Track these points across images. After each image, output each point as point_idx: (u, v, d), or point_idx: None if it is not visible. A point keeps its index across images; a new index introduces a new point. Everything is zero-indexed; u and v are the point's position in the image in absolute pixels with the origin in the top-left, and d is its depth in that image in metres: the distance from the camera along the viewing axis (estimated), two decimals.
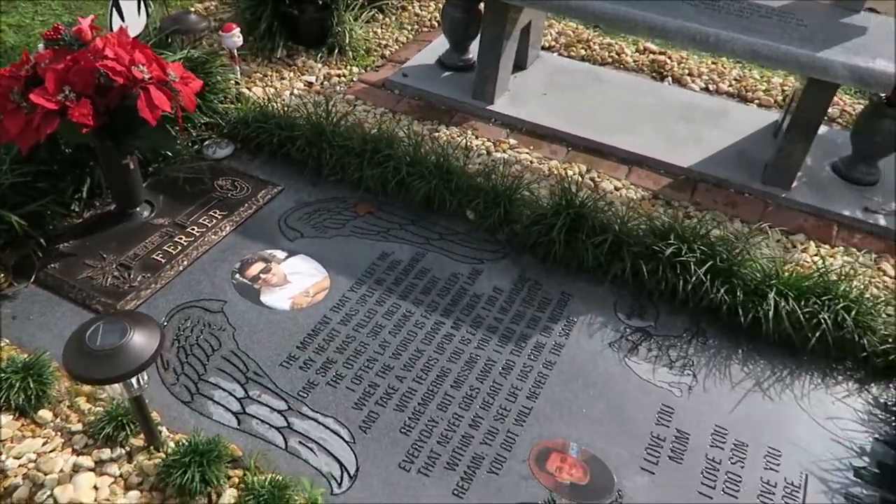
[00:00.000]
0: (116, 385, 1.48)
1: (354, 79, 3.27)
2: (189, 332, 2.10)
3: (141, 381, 1.52)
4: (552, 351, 2.15)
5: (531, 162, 2.87)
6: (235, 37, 2.85)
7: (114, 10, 2.46)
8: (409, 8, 3.87)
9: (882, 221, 2.64)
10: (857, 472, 1.89)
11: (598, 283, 2.36)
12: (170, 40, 2.72)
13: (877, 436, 1.98)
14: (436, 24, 3.75)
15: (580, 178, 2.79)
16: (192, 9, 3.46)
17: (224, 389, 1.95)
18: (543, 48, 3.59)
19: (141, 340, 1.45)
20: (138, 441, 1.73)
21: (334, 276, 2.33)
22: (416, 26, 3.74)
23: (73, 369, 1.40)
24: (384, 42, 3.56)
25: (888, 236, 2.61)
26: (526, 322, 2.24)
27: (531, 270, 2.41)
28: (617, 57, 3.58)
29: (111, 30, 2.40)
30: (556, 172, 2.81)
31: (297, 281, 2.29)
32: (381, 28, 3.66)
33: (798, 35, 2.44)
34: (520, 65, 3.30)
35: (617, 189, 2.77)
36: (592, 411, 1.99)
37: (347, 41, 3.33)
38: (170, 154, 2.59)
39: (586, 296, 2.33)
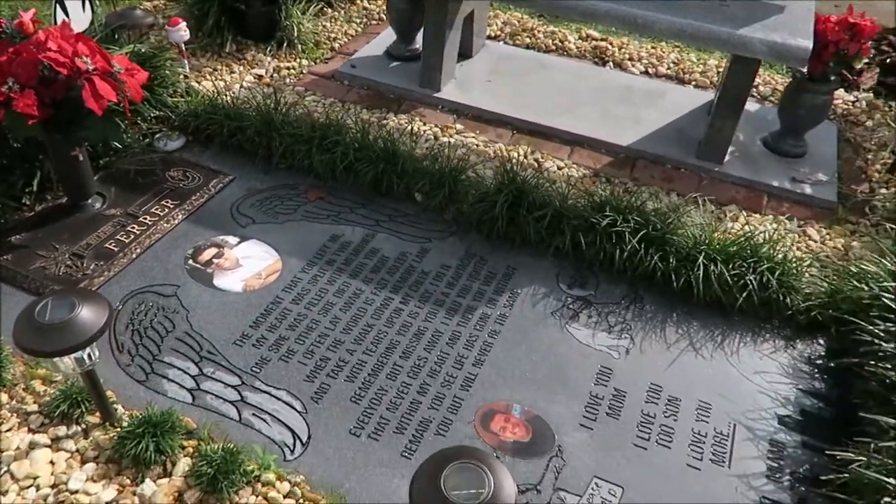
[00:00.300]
0: (68, 360, 1.53)
1: (304, 71, 3.34)
2: (143, 315, 2.15)
3: (92, 355, 1.57)
4: (497, 321, 2.25)
5: (477, 145, 2.97)
6: (182, 31, 2.89)
7: (57, 6, 2.49)
8: (358, 2, 3.95)
9: (808, 190, 2.80)
10: (782, 420, 2.02)
11: (541, 256, 2.47)
12: (116, 36, 2.76)
13: (801, 387, 2.12)
14: (384, 16, 3.83)
15: (524, 159, 2.89)
16: (142, 6, 3.49)
17: (178, 368, 2.01)
18: (489, 38, 3.69)
19: (90, 315, 1.51)
20: (94, 418, 1.79)
21: (286, 258, 2.40)
22: (364, 19, 3.81)
23: (24, 343, 1.46)
24: (333, 35, 3.62)
25: (814, 204, 2.77)
26: (472, 295, 2.33)
27: (477, 247, 2.51)
28: (560, 44, 3.70)
29: (56, 25, 2.43)
30: (501, 154, 2.91)
31: (249, 264, 2.36)
32: (330, 22, 3.73)
33: (721, 15, 2.57)
34: (465, 54, 3.40)
35: (560, 168, 2.88)
36: (535, 375, 2.09)
37: (296, 35, 3.40)
38: (120, 146, 2.63)
39: (530, 269, 2.44)
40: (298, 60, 3.39)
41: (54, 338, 1.46)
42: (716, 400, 2.06)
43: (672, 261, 2.31)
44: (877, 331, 1.97)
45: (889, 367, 1.86)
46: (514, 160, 2.84)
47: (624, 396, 2.05)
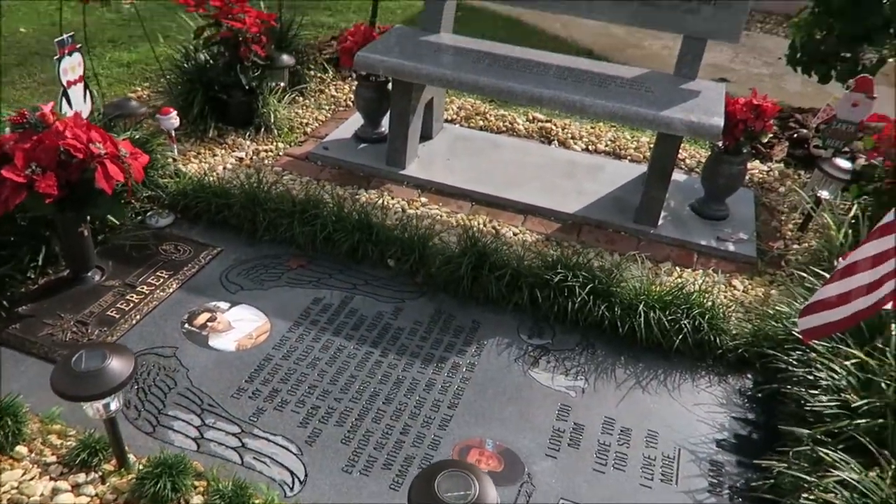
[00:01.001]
0: (98, 405, 1.74)
1: (280, 153, 3.66)
2: (146, 375, 2.35)
3: (118, 402, 1.78)
4: (467, 369, 2.52)
5: (441, 216, 3.31)
6: (173, 119, 3.20)
7: (63, 98, 2.78)
8: (326, 91, 4.34)
9: (732, 247, 3.21)
10: (719, 443, 2.32)
11: (503, 311, 2.77)
12: (112, 124, 3.04)
13: (734, 415, 2.43)
14: (350, 104, 4.22)
15: (483, 227, 3.24)
16: (132, 95, 3.79)
17: (182, 420, 2.20)
18: (446, 121, 4.10)
19: (119, 364, 1.73)
20: (109, 466, 1.96)
21: (274, 320, 2.64)
22: (333, 106, 4.19)
23: (63, 389, 1.66)
24: (305, 121, 3.98)
25: (737, 259, 3.17)
26: (444, 347, 2.61)
27: (446, 305, 2.80)
28: (510, 126, 4.14)
29: (62, 115, 2.71)
30: (463, 223, 3.25)
31: (240, 326, 2.59)
32: (302, 109, 4.10)
33: (647, 99, 3.02)
34: (427, 135, 3.79)
35: (515, 234, 3.23)
36: (503, 414, 2.35)
37: (273, 121, 3.74)
38: (116, 224, 2.87)
39: (493, 322, 2.73)
40: (275, 144, 3.72)
41: (90, 384, 1.67)
42: (662, 429, 2.35)
43: (617, 310, 2.64)
44: (791, 360, 2.32)
45: (802, 389, 2.20)
46: (474, 228, 3.18)
47: (582, 429, 2.32)
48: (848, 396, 2.02)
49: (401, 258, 2.92)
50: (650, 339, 2.60)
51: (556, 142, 4.04)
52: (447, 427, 2.28)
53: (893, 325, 2.19)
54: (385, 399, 2.36)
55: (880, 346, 2.15)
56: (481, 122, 4.15)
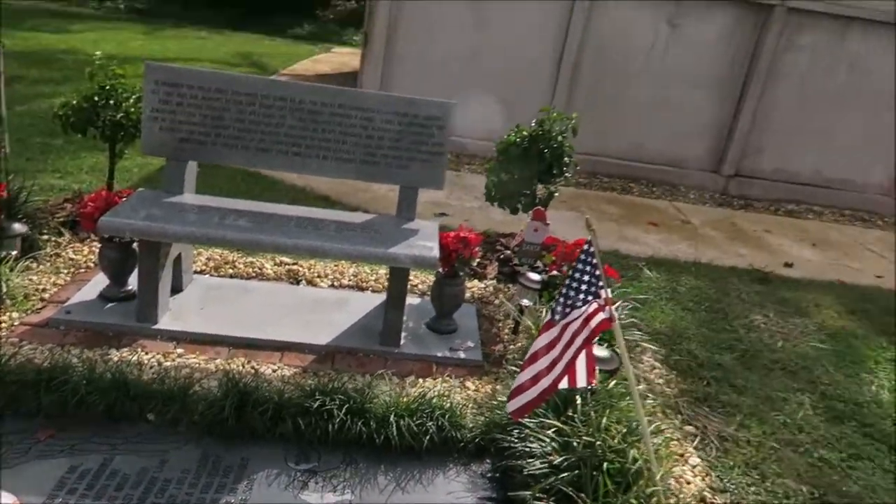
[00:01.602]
0: None
1: (16, 323, 3.52)
2: None
3: None
4: None
5: (199, 364, 3.43)
6: None
7: None
8: (63, 254, 4.27)
9: (462, 355, 3.78)
10: None
11: (269, 444, 2.96)
12: None
13: (479, 496, 2.86)
14: (91, 265, 4.20)
15: (242, 368, 3.43)
16: None
17: None
18: (196, 272, 4.28)
19: None
20: None
21: (25, 498, 2.52)
22: (72, 269, 4.13)
23: None
24: (42, 287, 3.87)
25: (467, 364, 3.74)
26: (214, 489, 2.70)
27: (212, 448, 2.91)
28: (260, 271, 4.44)
29: None
30: (221, 368, 3.41)
31: None
32: (38, 275, 3.98)
33: (376, 240, 3.56)
34: (177, 287, 3.92)
35: (274, 371, 3.47)
36: None
37: (5, 290, 3.60)
38: None
39: (261, 456, 2.90)
40: (8, 314, 3.57)
41: None
42: None
43: (373, 424, 2.99)
44: (513, 438, 2.84)
45: (523, 460, 2.71)
46: (234, 370, 3.36)
47: None
48: (552, 458, 2.56)
49: (161, 410, 2.98)
50: (404, 444, 2.97)
51: (304, 281, 4.42)
52: None
53: (578, 398, 2.85)
54: None
55: (570, 414, 2.77)
56: (231, 271, 4.39)
